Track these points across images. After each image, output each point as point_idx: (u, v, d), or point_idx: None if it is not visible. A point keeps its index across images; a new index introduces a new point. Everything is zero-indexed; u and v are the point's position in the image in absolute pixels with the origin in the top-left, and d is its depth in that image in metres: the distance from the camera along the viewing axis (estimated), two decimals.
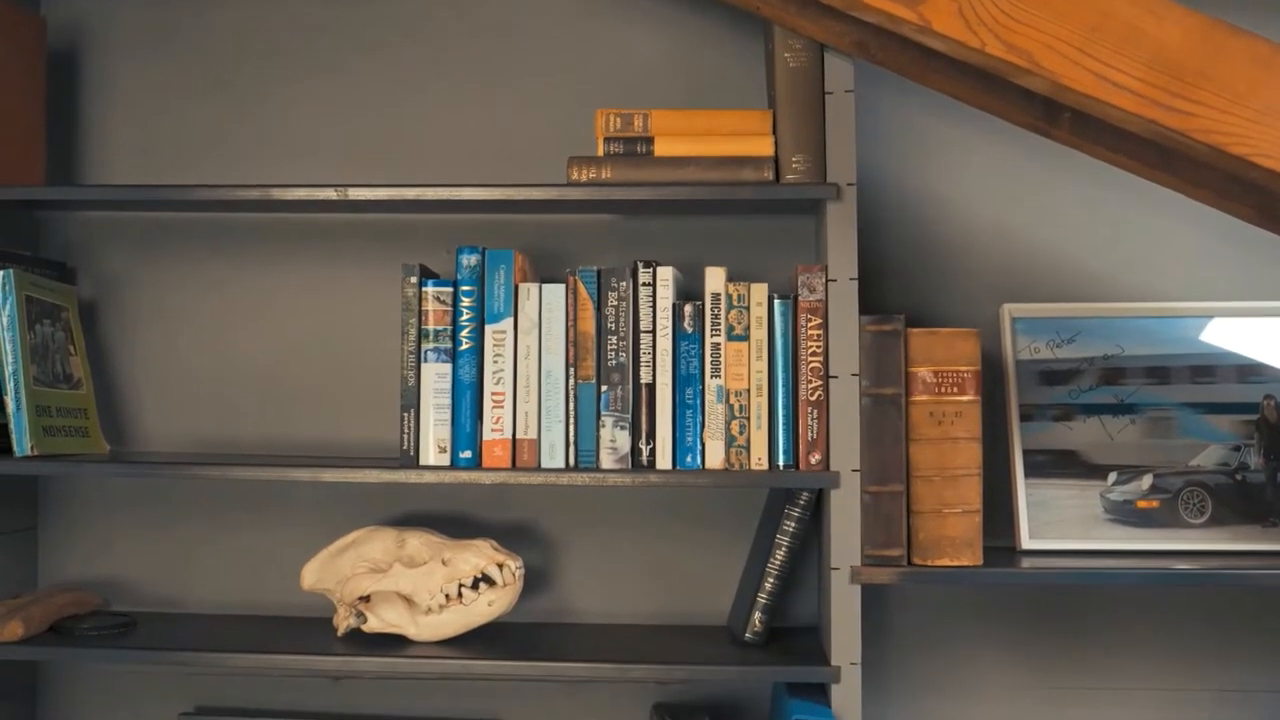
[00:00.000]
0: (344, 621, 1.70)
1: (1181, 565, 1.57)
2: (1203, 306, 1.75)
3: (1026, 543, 1.69)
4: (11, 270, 1.66)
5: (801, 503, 1.62)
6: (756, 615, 1.64)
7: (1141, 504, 1.71)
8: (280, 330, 1.86)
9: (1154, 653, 1.78)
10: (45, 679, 1.87)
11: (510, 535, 1.81)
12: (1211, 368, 1.74)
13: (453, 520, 1.82)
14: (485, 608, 1.66)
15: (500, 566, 1.66)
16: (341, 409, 1.84)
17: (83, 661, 1.85)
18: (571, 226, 1.81)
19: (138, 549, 1.86)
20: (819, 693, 1.61)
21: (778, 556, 1.63)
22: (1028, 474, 1.72)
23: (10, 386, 1.65)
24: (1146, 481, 1.71)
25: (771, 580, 1.63)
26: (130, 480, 1.86)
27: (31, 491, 1.87)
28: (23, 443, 1.64)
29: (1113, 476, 1.71)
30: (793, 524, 1.62)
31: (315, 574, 1.72)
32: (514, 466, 1.61)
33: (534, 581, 1.81)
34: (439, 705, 1.83)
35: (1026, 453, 1.72)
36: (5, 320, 1.65)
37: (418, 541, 1.69)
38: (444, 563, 1.66)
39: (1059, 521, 1.70)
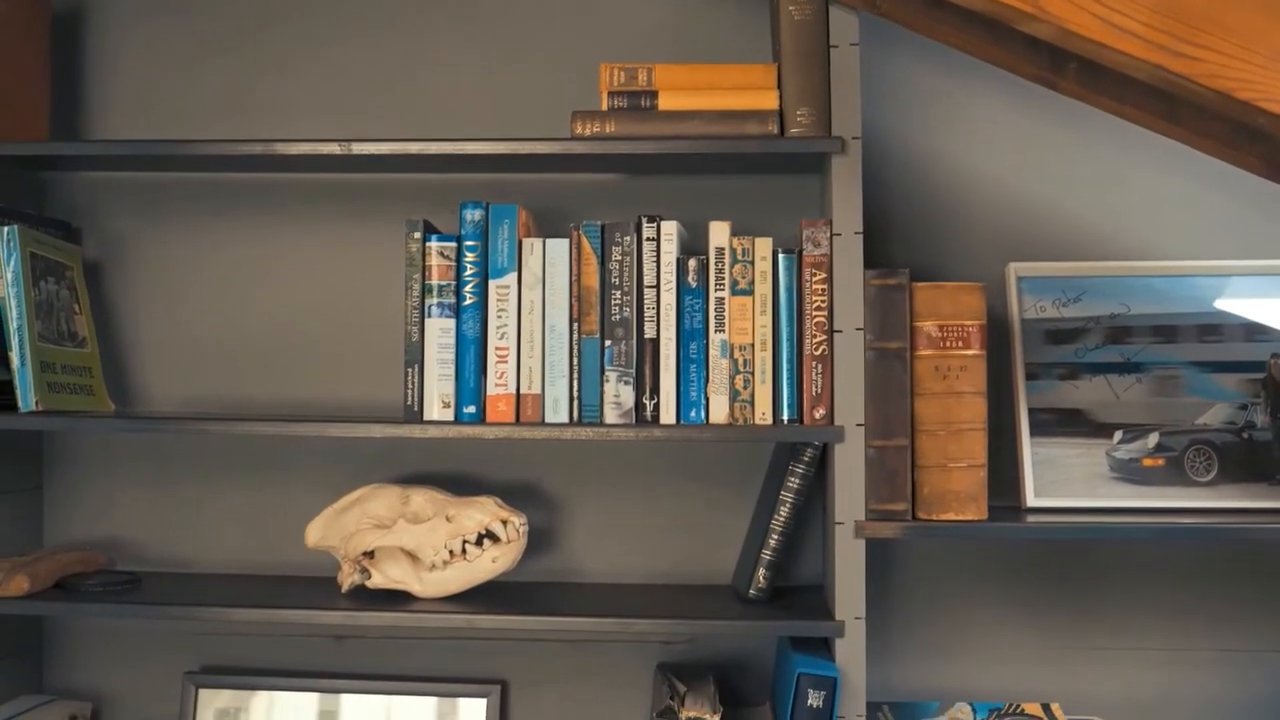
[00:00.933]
0: (348, 578, 1.70)
1: (1187, 521, 1.56)
2: (1210, 265, 1.74)
3: (1032, 500, 1.68)
4: (16, 226, 1.66)
5: (806, 459, 1.62)
6: (760, 572, 1.64)
7: (1147, 462, 1.70)
8: (284, 291, 1.86)
9: (1158, 612, 1.78)
10: (51, 638, 1.87)
11: (514, 495, 1.81)
12: (1218, 326, 1.73)
13: (456, 480, 1.82)
14: (489, 564, 1.66)
15: (504, 523, 1.66)
16: (346, 369, 1.84)
17: (87, 616, 1.85)
18: (575, 186, 1.80)
19: (142, 509, 1.86)
20: (823, 649, 1.61)
21: (782, 513, 1.63)
22: (1033, 432, 1.71)
23: (15, 342, 1.65)
24: (1152, 440, 1.70)
25: (775, 537, 1.63)
26: (135, 440, 1.86)
27: (36, 451, 1.87)
28: (27, 398, 1.65)
29: (1118, 435, 1.71)
30: (797, 480, 1.62)
31: (319, 532, 1.72)
32: (518, 421, 1.60)
33: (538, 541, 1.81)
34: (444, 666, 1.83)
35: (1032, 411, 1.72)
36: (9, 275, 1.65)
37: (422, 498, 1.69)
38: (448, 519, 1.66)
39: (1064, 480, 1.70)
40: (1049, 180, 1.80)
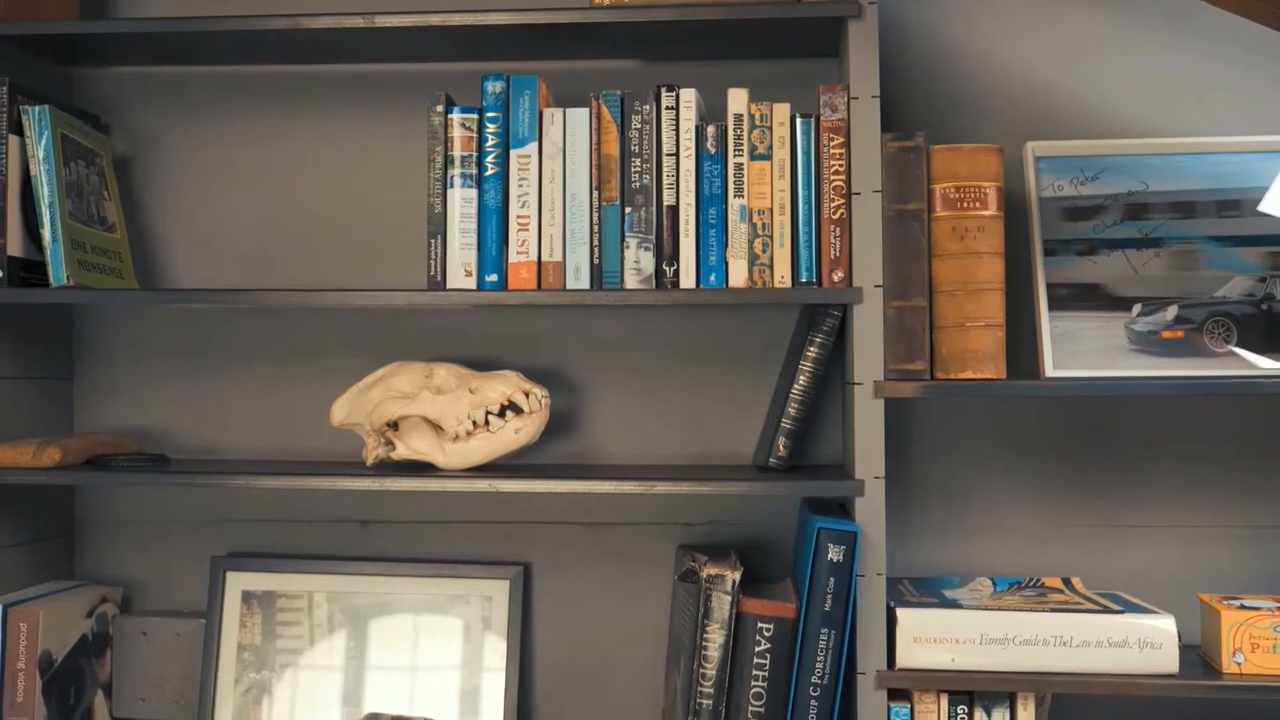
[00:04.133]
0: (373, 452, 1.72)
1: (1208, 374, 1.57)
2: (1229, 141, 1.74)
3: (1050, 372, 1.69)
4: (47, 106, 1.69)
5: (825, 328, 1.63)
6: (780, 440, 1.65)
7: (1166, 334, 1.70)
8: (309, 183, 1.88)
9: (1177, 490, 1.78)
10: (81, 526, 1.90)
11: (536, 379, 1.83)
12: (1237, 202, 1.73)
13: (479, 364, 1.83)
14: (512, 435, 1.68)
15: (526, 394, 1.68)
16: (371, 259, 1.86)
17: (118, 487, 1.89)
18: (593, 74, 1.82)
19: (171, 399, 1.89)
20: (843, 515, 1.62)
21: (800, 381, 1.64)
22: (1051, 307, 1.72)
23: (47, 218, 1.68)
24: (1171, 312, 1.70)
25: (795, 406, 1.64)
26: (163, 330, 1.89)
27: (66, 340, 1.90)
28: (59, 272, 1.68)
29: (1137, 308, 1.71)
30: (815, 349, 1.63)
31: (345, 410, 1.74)
32: (539, 288, 1.62)
33: (559, 425, 1.83)
34: (467, 549, 1.85)
35: (1050, 286, 1.72)
36: (41, 153, 1.68)
37: (445, 372, 1.71)
38: (471, 391, 1.68)
39: (1083, 353, 1.70)
40: (1067, 58, 1.80)
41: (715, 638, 1.54)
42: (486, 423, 1.68)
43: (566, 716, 1.83)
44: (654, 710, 1.79)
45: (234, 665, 1.82)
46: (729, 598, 1.54)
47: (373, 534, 1.87)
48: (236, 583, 1.84)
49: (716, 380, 1.82)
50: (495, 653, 1.79)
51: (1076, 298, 1.72)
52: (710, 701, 1.53)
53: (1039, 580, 1.74)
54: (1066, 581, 1.73)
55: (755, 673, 1.54)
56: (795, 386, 1.64)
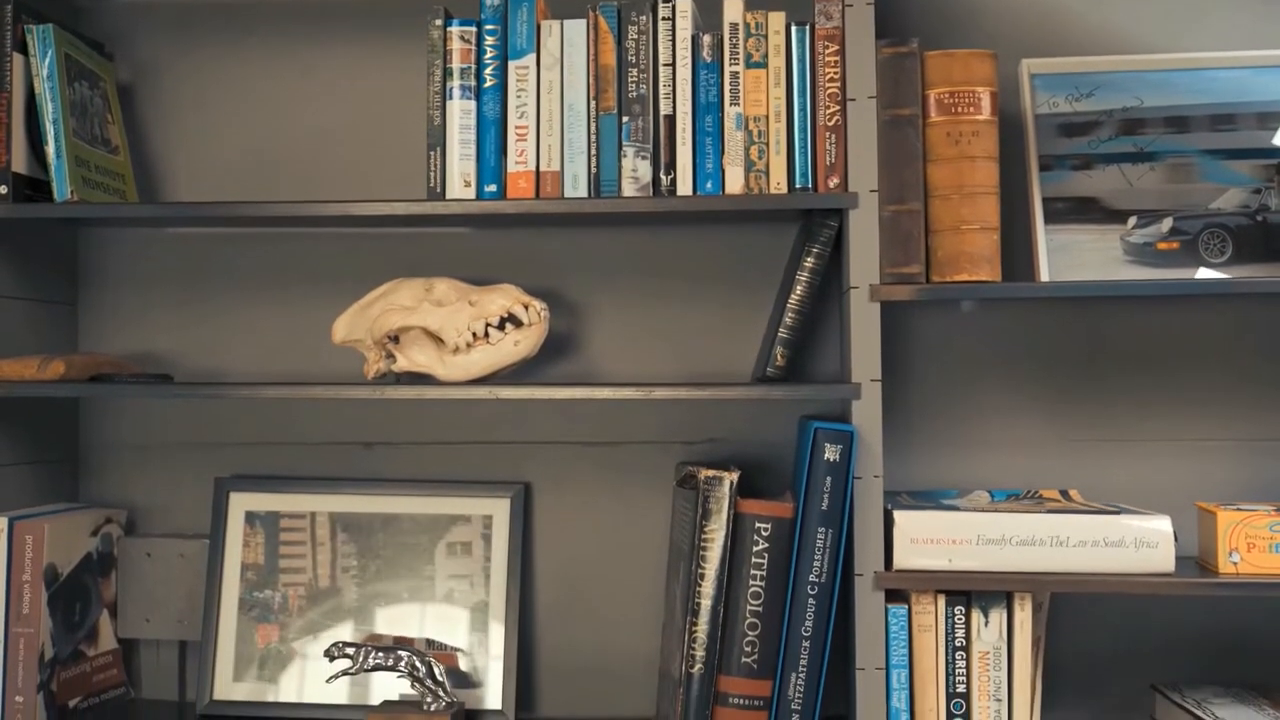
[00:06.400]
0: (374, 366, 1.73)
1: (1207, 276, 1.58)
2: (1223, 57, 1.75)
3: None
4: (50, 25, 1.71)
5: (822, 239, 1.64)
6: (777, 350, 1.66)
7: (1162, 246, 1.71)
8: (312, 108, 1.90)
9: (1177, 403, 1.79)
10: (86, 447, 1.92)
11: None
12: (1232, 116, 1.74)
13: (478, 284, 1.84)
14: (512, 347, 1.69)
15: (526, 307, 1.69)
16: (374, 184, 1.87)
17: (121, 411, 1.90)
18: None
19: (174, 324, 1.91)
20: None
21: (798, 291, 1.65)
22: (1047, 220, 1.73)
23: (51, 134, 1.70)
24: (1167, 224, 1.71)
25: (792, 315, 1.65)
26: (166, 255, 1.90)
27: (71, 264, 1.92)
28: (63, 188, 1.69)
29: (1133, 221, 1.72)
30: (812, 259, 1.64)
31: (346, 327, 1.75)
32: (537, 197, 1.64)
33: (560, 346, 1.84)
34: (468, 470, 1.86)
35: (1046, 200, 1.73)
36: (45, 71, 1.70)
37: (445, 286, 1.72)
38: (471, 304, 1.70)
39: (1079, 265, 1.71)
40: None
41: (713, 538, 1.55)
42: (486, 335, 1.69)
43: (568, 631, 1.84)
44: (655, 623, 1.80)
45: (237, 585, 1.83)
46: (727, 499, 1.55)
47: (375, 456, 1.88)
48: (240, 503, 1.85)
49: (716, 301, 1.83)
50: (497, 570, 1.80)
51: (1072, 211, 1.73)
52: (709, 601, 1.54)
53: (1036, 492, 1.74)
54: (1064, 493, 1.73)
55: (753, 572, 1.55)
56: (792, 296, 1.65)
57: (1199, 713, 1.60)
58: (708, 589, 1.54)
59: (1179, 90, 1.75)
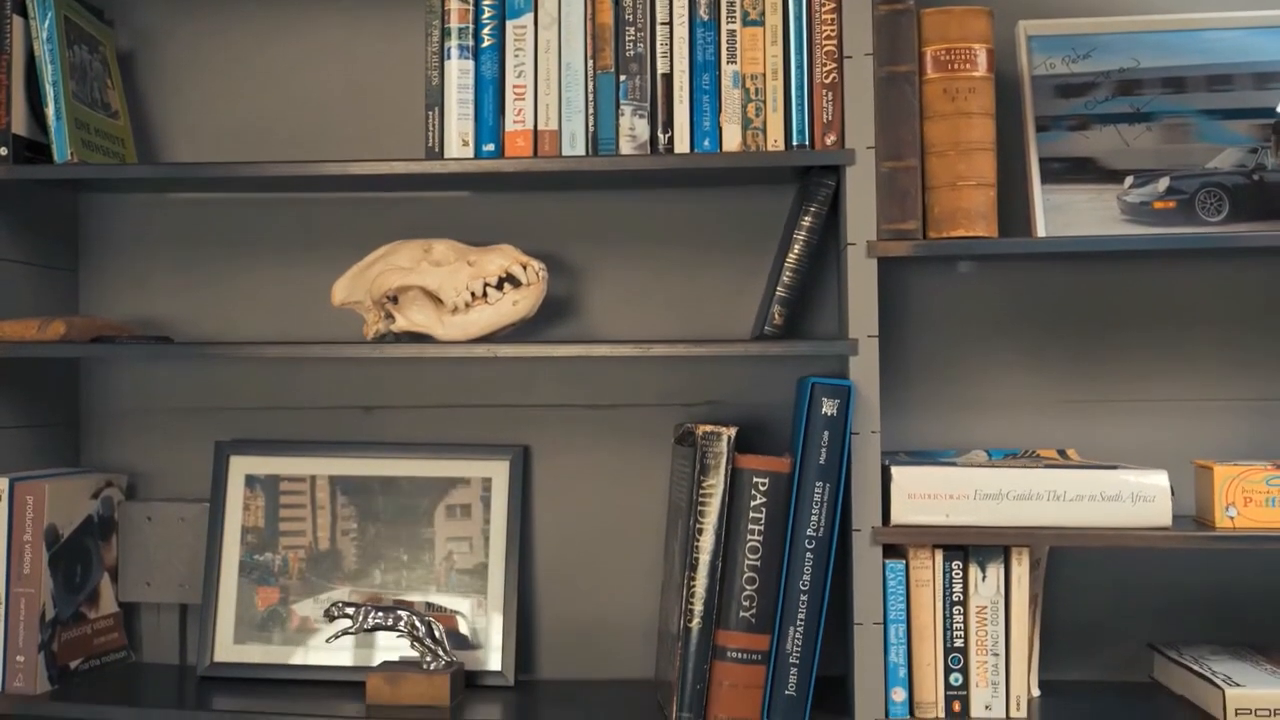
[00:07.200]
0: (373, 326, 1.74)
1: (1205, 230, 1.59)
2: (1219, 17, 1.75)
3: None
4: None
5: (819, 198, 1.65)
6: (775, 309, 1.67)
7: (1158, 205, 1.71)
8: (311, 77, 1.90)
9: (1174, 364, 1.79)
10: (87, 413, 1.92)
11: None
12: (1229, 76, 1.75)
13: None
14: (510, 307, 1.70)
15: (524, 266, 1.70)
16: (375, 153, 1.88)
17: (122, 376, 1.91)
18: None
19: (174, 290, 1.91)
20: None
21: (795, 250, 1.66)
22: (1044, 180, 1.73)
23: (50, 95, 1.70)
24: (1163, 183, 1.72)
25: (790, 274, 1.66)
26: (166, 219, 1.91)
27: (72, 229, 1.92)
28: (63, 149, 1.70)
29: (1129, 180, 1.72)
30: (810, 218, 1.65)
31: (346, 289, 1.76)
32: (535, 156, 1.64)
33: (559, 309, 1.85)
34: (468, 433, 1.87)
35: (1042, 161, 1.73)
36: (44, 33, 1.71)
37: (443, 246, 1.73)
38: (469, 264, 1.70)
39: (1076, 224, 1.71)
40: None
41: (711, 493, 1.55)
42: (485, 294, 1.69)
43: (567, 593, 1.85)
44: (654, 586, 1.81)
45: (238, 548, 1.84)
46: (725, 454, 1.55)
47: (375, 420, 1.89)
48: (240, 466, 1.86)
49: (715, 265, 1.84)
50: (496, 532, 1.81)
51: (1069, 171, 1.73)
52: (707, 556, 1.55)
53: (1034, 452, 1.75)
54: (1062, 453, 1.74)
55: (751, 527, 1.55)
56: (790, 255, 1.66)
57: (1196, 667, 1.60)
58: (706, 544, 1.55)
59: (1176, 51, 1.75)
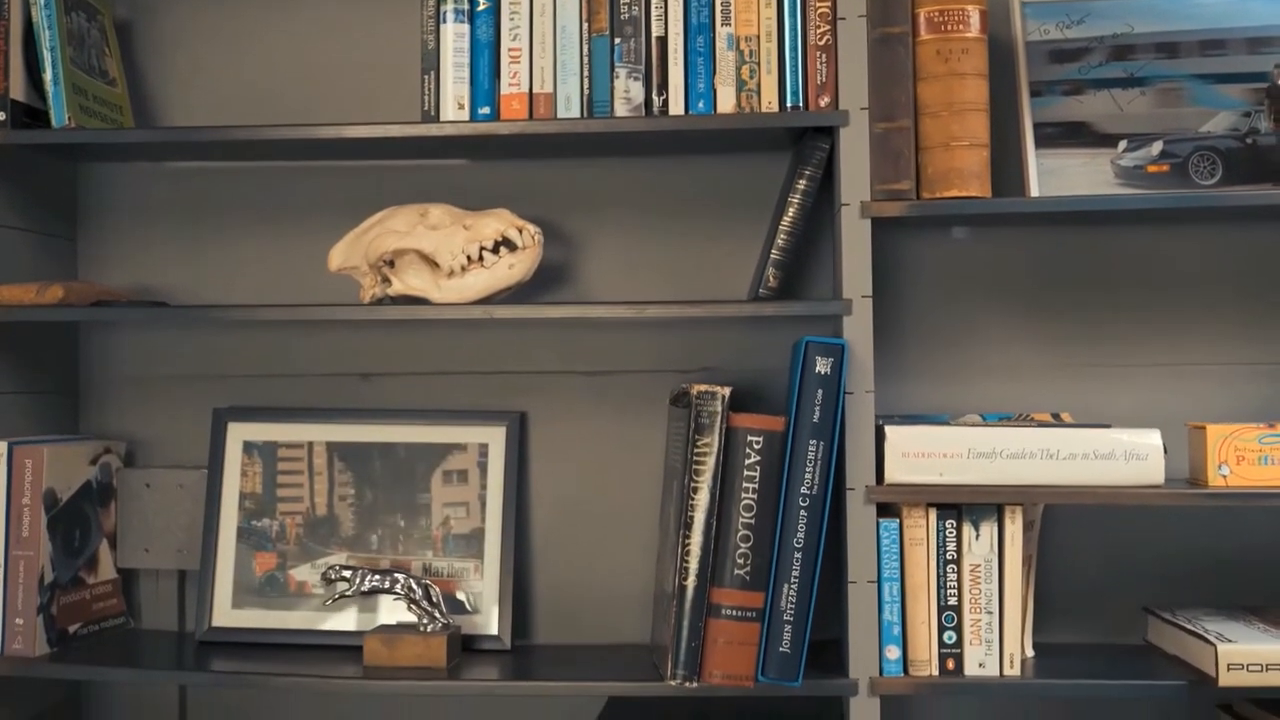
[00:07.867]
0: (369, 291, 1.75)
1: (1200, 190, 1.60)
2: None
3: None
4: None
5: (814, 161, 1.65)
6: (770, 271, 1.67)
7: (1152, 169, 1.72)
8: (307, 45, 1.91)
9: (1168, 328, 1.80)
10: (85, 380, 1.93)
11: None
12: (1222, 41, 1.75)
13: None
14: (506, 270, 1.70)
15: (520, 230, 1.70)
16: (372, 119, 1.89)
17: (120, 343, 1.92)
18: None
19: (172, 259, 1.92)
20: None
21: (790, 213, 1.66)
22: (1038, 145, 1.74)
23: (48, 60, 1.71)
24: (1157, 147, 1.72)
25: (784, 236, 1.66)
26: (165, 188, 1.92)
27: (71, 198, 1.93)
28: (61, 114, 1.71)
29: (1123, 144, 1.73)
30: (805, 181, 1.66)
31: (343, 254, 1.77)
32: (531, 119, 1.65)
33: (555, 276, 1.86)
34: (464, 400, 1.88)
35: (1037, 125, 1.74)
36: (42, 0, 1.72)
37: (439, 211, 1.74)
38: (465, 228, 1.71)
39: (1070, 188, 1.72)
40: None
41: (706, 452, 1.56)
42: (480, 258, 1.70)
43: (564, 558, 1.85)
44: (650, 551, 1.82)
45: (236, 514, 1.85)
46: (719, 414, 1.56)
47: (372, 388, 1.90)
48: (238, 433, 1.87)
49: (710, 231, 1.84)
50: (493, 497, 1.82)
51: (1063, 135, 1.74)
52: (702, 514, 1.55)
53: (1028, 415, 1.76)
54: (1055, 416, 1.75)
55: (745, 485, 1.56)
56: (784, 218, 1.66)
57: (1190, 626, 1.61)
58: (700, 502, 1.55)
59: (1169, 16, 1.76)
